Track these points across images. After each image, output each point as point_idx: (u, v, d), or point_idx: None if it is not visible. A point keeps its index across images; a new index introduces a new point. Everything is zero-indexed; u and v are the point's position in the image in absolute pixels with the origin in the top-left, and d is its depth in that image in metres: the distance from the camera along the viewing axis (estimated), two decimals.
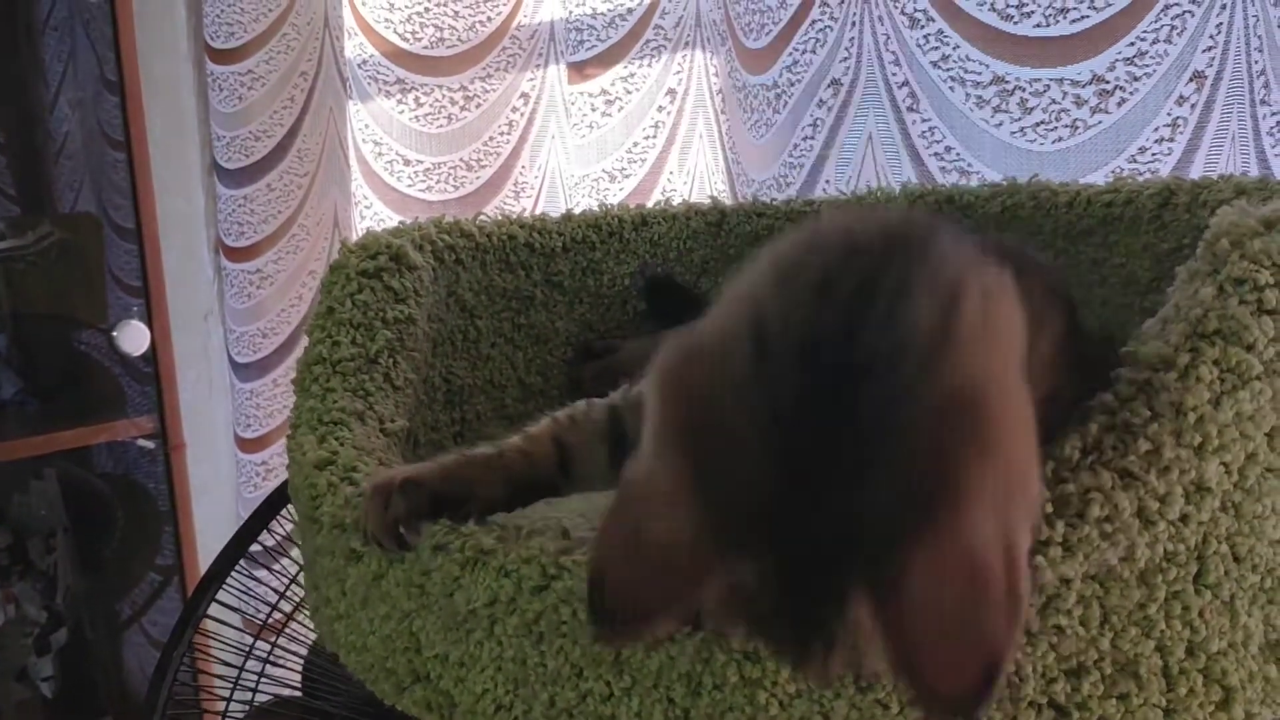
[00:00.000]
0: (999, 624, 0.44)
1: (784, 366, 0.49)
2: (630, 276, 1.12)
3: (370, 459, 0.75)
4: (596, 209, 1.11)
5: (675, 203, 1.14)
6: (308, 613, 0.81)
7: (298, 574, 1.26)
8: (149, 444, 1.77)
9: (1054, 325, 0.61)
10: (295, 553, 1.29)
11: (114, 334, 1.68)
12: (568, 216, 1.09)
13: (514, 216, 1.06)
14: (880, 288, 0.50)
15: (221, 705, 1.25)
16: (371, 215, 1.67)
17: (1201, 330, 0.58)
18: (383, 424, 0.82)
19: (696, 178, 1.41)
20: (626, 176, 1.45)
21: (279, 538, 1.42)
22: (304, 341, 1.81)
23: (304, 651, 1.29)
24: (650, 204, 1.16)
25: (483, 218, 1.04)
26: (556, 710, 0.60)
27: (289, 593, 1.26)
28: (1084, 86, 1.09)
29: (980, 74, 1.11)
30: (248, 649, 1.23)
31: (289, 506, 1.24)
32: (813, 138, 1.19)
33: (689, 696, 0.57)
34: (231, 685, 1.23)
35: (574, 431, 0.70)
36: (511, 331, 1.06)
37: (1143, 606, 0.56)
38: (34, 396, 1.87)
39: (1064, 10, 1.09)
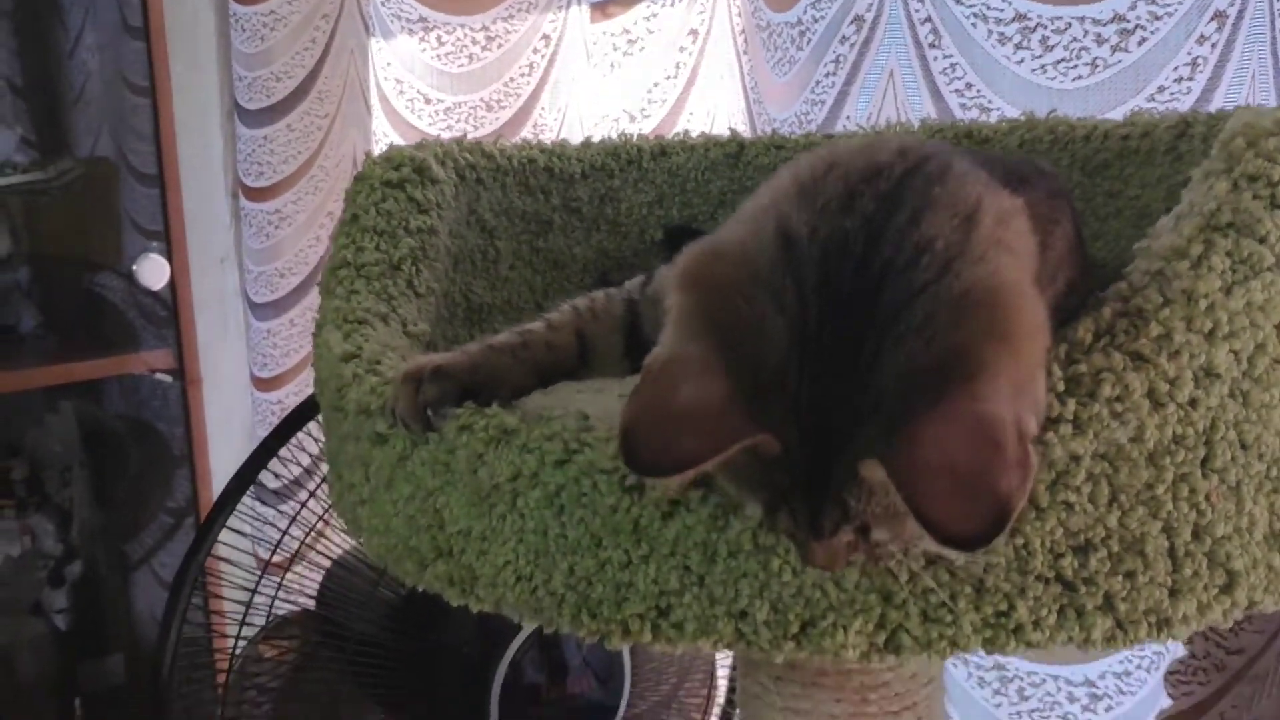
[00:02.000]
0: (1010, 481, 0.46)
1: (810, 264, 0.52)
2: (648, 206, 1.13)
3: (394, 354, 0.77)
4: (616, 138, 1.12)
5: (694, 134, 1.15)
6: (329, 499, 0.82)
7: (306, 502, 1.28)
8: (166, 378, 1.78)
9: (1064, 224, 0.64)
10: (302, 493, 1.31)
11: (134, 267, 1.69)
12: (587, 143, 1.10)
13: (534, 141, 1.08)
14: (902, 202, 0.53)
15: (230, 644, 1.26)
16: None
17: (1215, 223, 0.59)
18: (405, 326, 0.83)
19: (717, 119, 1.42)
20: (646, 117, 1.46)
21: (286, 480, 1.44)
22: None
23: (314, 586, 1.31)
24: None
25: (503, 141, 1.05)
26: (576, 579, 0.61)
27: (298, 524, 1.27)
28: (1105, 25, 1.10)
29: (1002, 11, 1.12)
30: (255, 581, 1.24)
31: (300, 432, 1.26)
32: (835, 74, 1.20)
33: (704, 563, 0.58)
34: (242, 614, 1.24)
35: (594, 323, 0.72)
36: (530, 255, 1.07)
37: (1150, 487, 0.57)
38: (52, 330, 1.89)
39: None
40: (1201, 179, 0.63)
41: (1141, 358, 0.56)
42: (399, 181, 0.90)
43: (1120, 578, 0.58)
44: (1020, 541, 0.56)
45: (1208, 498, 0.58)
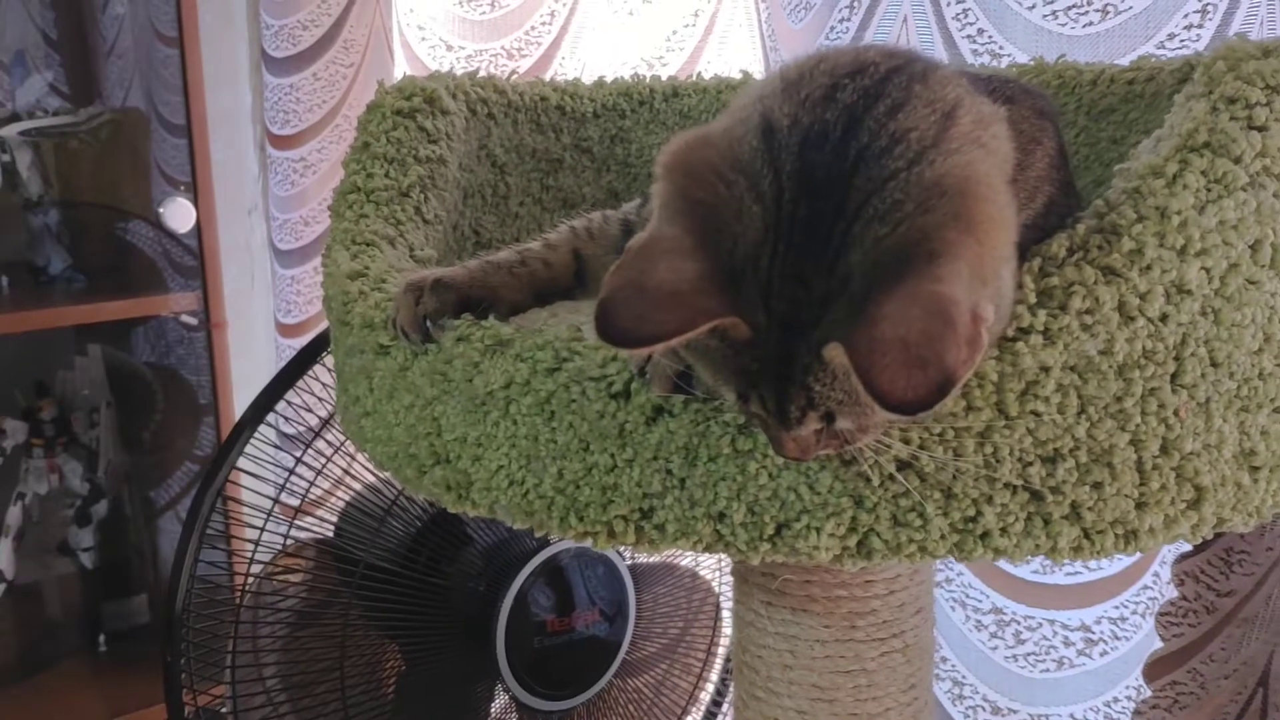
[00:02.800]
0: (957, 355, 0.47)
1: (788, 152, 0.53)
2: (659, 147, 1.14)
3: (400, 276, 0.79)
4: (629, 78, 1.13)
5: (707, 76, 1.16)
6: (339, 418, 0.85)
7: (314, 440, 1.31)
8: (191, 319, 1.82)
9: (1046, 144, 0.65)
10: (320, 443, 1.33)
11: (160, 210, 1.72)
12: (599, 83, 1.12)
13: (547, 80, 1.09)
14: (882, 95, 0.54)
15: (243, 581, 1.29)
16: None
17: (1191, 143, 0.60)
18: (412, 251, 0.85)
19: (734, 67, 1.43)
20: (664, 65, 1.47)
21: (300, 427, 1.47)
22: None
23: (328, 526, 1.33)
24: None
25: (515, 77, 1.07)
26: (565, 482, 0.63)
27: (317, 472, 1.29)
28: None
29: None
30: (264, 518, 1.26)
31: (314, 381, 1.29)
32: (849, 20, 1.21)
33: (685, 467, 0.61)
34: (251, 552, 1.26)
35: (591, 244, 0.74)
36: (540, 192, 1.09)
37: (1119, 400, 0.59)
38: (81, 273, 1.93)
39: None
40: (1183, 102, 0.64)
41: (1113, 272, 0.58)
42: (410, 111, 0.92)
43: (1088, 488, 0.59)
44: (989, 449, 0.58)
45: (1176, 413, 0.60)
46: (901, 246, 0.49)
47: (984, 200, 0.52)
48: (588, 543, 0.64)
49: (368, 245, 0.82)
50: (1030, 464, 0.59)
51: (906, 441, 0.57)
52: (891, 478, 0.58)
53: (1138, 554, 0.81)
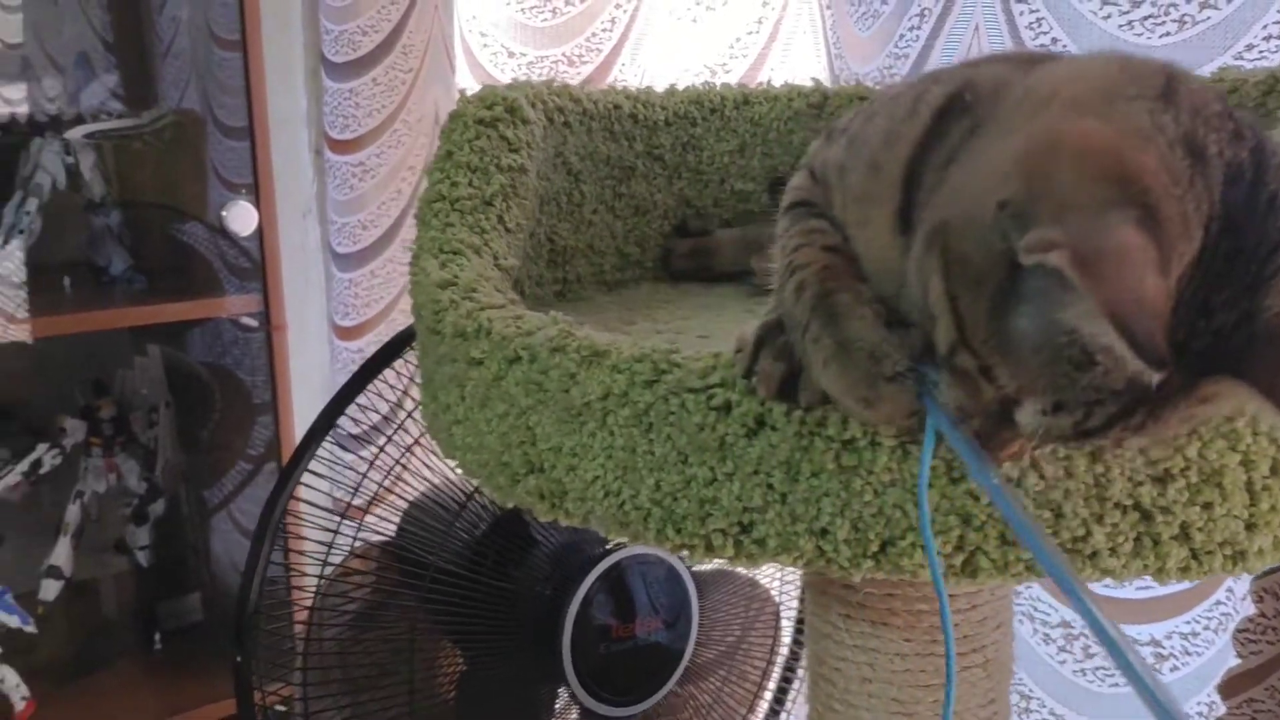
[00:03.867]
0: None
1: (1214, 182, 0.50)
2: (729, 154, 1.14)
3: (487, 284, 0.80)
4: (700, 85, 1.13)
5: (778, 84, 1.16)
6: (424, 422, 0.86)
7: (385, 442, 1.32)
8: (252, 322, 1.84)
9: None
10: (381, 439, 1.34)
11: (223, 213, 1.74)
12: (671, 91, 1.12)
13: (619, 87, 1.09)
14: (1266, 145, 0.53)
15: (307, 581, 1.30)
16: None
17: None
18: (497, 259, 0.86)
19: (798, 75, 1.43)
20: (727, 72, 1.47)
21: (366, 426, 1.48)
22: (402, 234, 1.87)
23: (392, 528, 1.34)
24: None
25: (589, 86, 1.07)
26: (662, 494, 0.64)
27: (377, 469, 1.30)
28: None
29: None
30: (337, 524, 1.27)
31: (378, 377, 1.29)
32: (919, 28, 1.21)
33: (787, 481, 0.60)
34: (324, 554, 1.27)
35: None
36: (613, 200, 1.09)
37: (1230, 420, 0.58)
38: (141, 274, 1.96)
39: None
40: None
41: None
42: (492, 120, 0.93)
43: (1197, 508, 0.59)
44: (1100, 469, 0.58)
45: None
46: None
47: None
48: (683, 555, 0.64)
49: (455, 254, 0.83)
50: (1141, 484, 0.58)
51: (1017, 461, 0.56)
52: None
53: (1245, 575, 0.80)
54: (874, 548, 0.60)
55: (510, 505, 0.72)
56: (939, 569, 0.58)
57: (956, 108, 0.60)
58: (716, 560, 0.64)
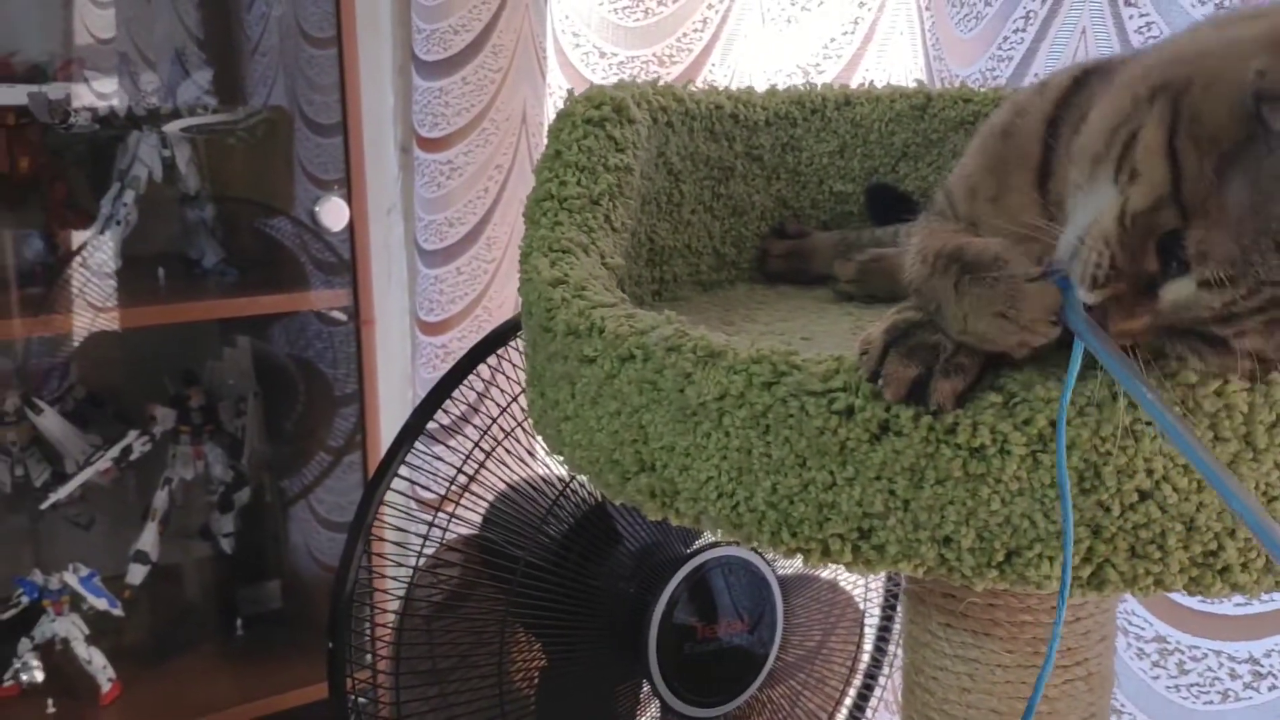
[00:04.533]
0: None
1: None
2: (829, 156, 1.14)
3: (596, 283, 0.80)
4: (801, 86, 1.13)
5: (879, 85, 1.15)
6: (531, 418, 0.86)
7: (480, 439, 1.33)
8: (340, 315, 1.86)
9: None
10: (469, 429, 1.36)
11: (316, 209, 1.77)
12: (772, 91, 1.11)
13: (721, 88, 1.09)
14: None
15: (392, 570, 1.31)
16: None
17: None
18: (604, 258, 0.86)
19: (893, 76, 1.42)
20: (820, 73, 1.46)
21: (454, 417, 1.49)
22: (488, 232, 1.88)
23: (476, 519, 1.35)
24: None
25: (691, 86, 1.07)
26: (778, 497, 0.63)
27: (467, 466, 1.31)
28: None
29: None
30: (430, 520, 1.28)
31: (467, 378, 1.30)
32: (1024, 30, 1.19)
33: (911, 489, 0.60)
34: (420, 547, 1.28)
35: None
36: (711, 200, 1.09)
37: None
38: (234, 267, 1.99)
39: None
40: None
41: None
42: (599, 120, 0.93)
43: None
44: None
45: None
46: None
47: None
48: (798, 559, 0.64)
49: (565, 252, 0.83)
50: (1276, 498, 0.57)
51: (1150, 472, 0.55)
52: (1133, 508, 0.56)
53: None
54: (999, 557, 0.59)
55: (619, 502, 0.72)
56: (1070, 560, 0.57)
57: (1081, 82, 0.65)
58: (832, 565, 0.63)
